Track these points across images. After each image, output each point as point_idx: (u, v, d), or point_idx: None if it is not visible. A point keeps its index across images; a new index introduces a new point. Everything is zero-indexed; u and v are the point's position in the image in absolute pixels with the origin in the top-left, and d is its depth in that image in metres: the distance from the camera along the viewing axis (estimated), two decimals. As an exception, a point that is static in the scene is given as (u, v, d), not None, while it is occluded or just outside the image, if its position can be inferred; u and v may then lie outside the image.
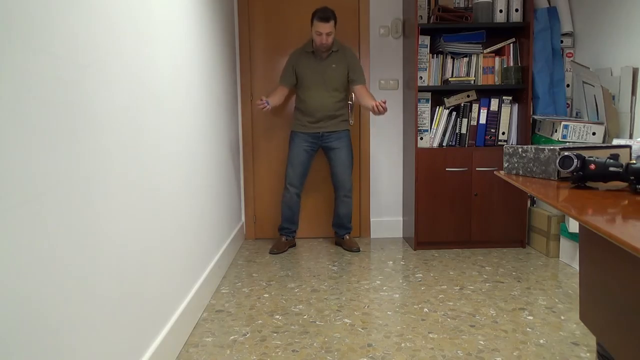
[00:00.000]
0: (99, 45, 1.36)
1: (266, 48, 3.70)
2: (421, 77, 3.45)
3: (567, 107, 3.44)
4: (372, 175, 3.84)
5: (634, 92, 2.77)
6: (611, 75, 2.99)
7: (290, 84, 3.35)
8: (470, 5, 3.50)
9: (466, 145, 3.47)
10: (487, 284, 2.74)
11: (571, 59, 3.43)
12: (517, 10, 3.36)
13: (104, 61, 1.39)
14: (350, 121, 3.76)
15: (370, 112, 3.09)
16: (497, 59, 3.46)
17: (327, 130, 3.35)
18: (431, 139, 3.50)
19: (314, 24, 3.14)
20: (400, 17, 3.70)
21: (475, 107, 3.46)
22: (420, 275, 2.92)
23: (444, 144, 3.51)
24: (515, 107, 3.48)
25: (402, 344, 2.03)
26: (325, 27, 3.12)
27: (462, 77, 3.44)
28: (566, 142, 3.03)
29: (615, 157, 1.33)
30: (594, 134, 2.99)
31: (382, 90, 3.75)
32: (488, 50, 3.49)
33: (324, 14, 3.10)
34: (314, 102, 3.29)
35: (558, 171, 1.48)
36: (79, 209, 1.24)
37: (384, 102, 3.03)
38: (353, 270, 3.03)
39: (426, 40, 3.43)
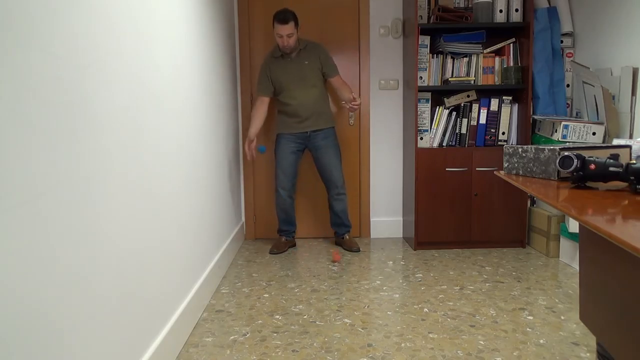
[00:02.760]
0: (99, 45, 1.36)
1: (266, 48, 3.69)
2: (421, 77, 3.45)
3: (567, 107, 3.44)
4: (372, 175, 3.84)
5: (634, 92, 2.77)
6: (611, 75, 2.99)
7: (270, 92, 3.35)
8: (470, 5, 3.50)
9: (466, 145, 3.47)
10: (487, 284, 2.74)
11: (571, 59, 3.43)
12: (517, 10, 3.36)
13: (104, 61, 1.39)
14: (351, 121, 3.77)
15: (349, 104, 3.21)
16: (497, 59, 3.46)
17: (314, 129, 3.35)
18: (431, 139, 3.50)
19: (274, 26, 3.16)
20: (400, 17, 3.70)
21: (475, 107, 3.46)
22: (420, 275, 2.92)
23: (444, 144, 3.51)
24: (515, 107, 3.48)
25: (402, 344, 2.03)
26: (285, 29, 3.12)
27: (462, 77, 3.44)
28: (566, 142, 3.03)
29: (615, 157, 1.33)
30: (594, 134, 2.99)
31: (382, 90, 3.75)
32: (488, 50, 3.49)
33: (283, 16, 3.10)
34: (298, 101, 3.29)
35: (558, 171, 1.48)
36: (79, 209, 1.24)
37: (354, 100, 3.14)
38: (353, 270, 3.03)
39: (426, 40, 3.43)
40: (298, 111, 3.31)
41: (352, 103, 3.16)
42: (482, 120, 3.46)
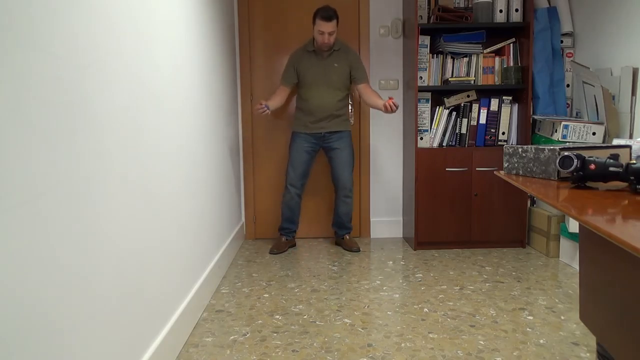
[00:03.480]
0: (99, 45, 1.36)
1: (266, 48, 3.70)
2: (421, 77, 3.45)
3: (567, 107, 3.44)
4: (372, 175, 3.84)
5: (634, 92, 2.77)
6: (611, 75, 2.99)
7: (292, 83, 3.34)
8: (470, 5, 3.50)
9: (466, 145, 3.47)
10: (487, 284, 2.74)
11: (571, 59, 3.43)
12: (517, 10, 3.36)
13: (104, 61, 1.39)
14: (351, 121, 3.77)
15: (378, 110, 3.10)
16: (497, 59, 3.46)
17: (329, 131, 3.34)
18: (431, 139, 3.50)
19: (316, 23, 3.13)
20: (400, 17, 3.70)
21: (475, 107, 3.46)
22: (420, 275, 2.92)
23: (444, 144, 3.51)
24: (515, 107, 3.48)
25: (402, 344, 2.03)
26: (328, 27, 3.10)
27: (462, 77, 3.44)
28: (566, 142, 3.03)
29: (615, 157, 1.33)
30: (594, 134, 2.99)
31: (382, 90, 3.75)
32: (488, 50, 3.49)
33: (327, 13, 3.08)
34: (316, 100, 3.28)
35: (558, 171, 1.48)
36: (79, 209, 1.24)
37: (392, 100, 3.04)
38: (353, 270, 3.03)
39: (426, 40, 3.43)
40: (314, 111, 3.30)
41: (392, 102, 3.03)
42: (482, 120, 3.46)
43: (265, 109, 3.14)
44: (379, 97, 3.24)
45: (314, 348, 2.01)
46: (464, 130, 3.48)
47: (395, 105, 3.04)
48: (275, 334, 2.14)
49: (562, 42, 3.41)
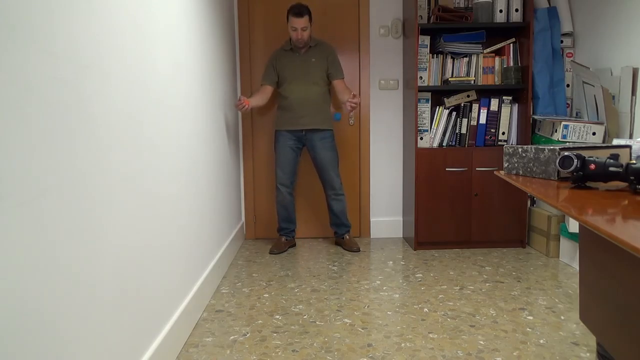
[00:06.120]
0: (99, 45, 1.36)
1: (266, 48, 3.70)
2: (421, 77, 3.45)
3: (567, 107, 3.44)
4: (372, 175, 3.84)
5: (634, 92, 2.77)
6: (611, 75, 2.98)
7: (273, 81, 3.36)
8: (470, 5, 3.50)
9: (466, 145, 3.47)
10: (487, 284, 2.74)
11: (571, 59, 3.43)
12: (517, 10, 3.36)
13: (104, 61, 1.39)
14: (351, 121, 3.77)
15: (348, 106, 3.10)
16: (497, 59, 3.46)
17: (310, 128, 3.34)
18: (431, 139, 3.50)
19: (289, 20, 3.19)
20: (400, 17, 3.70)
21: (475, 107, 3.46)
22: (420, 275, 2.92)
23: (444, 144, 3.51)
24: (515, 107, 3.48)
25: (402, 344, 2.03)
26: (300, 22, 3.15)
27: (462, 77, 3.44)
28: (566, 142, 3.03)
29: (615, 157, 1.33)
30: (594, 134, 2.99)
31: (382, 90, 3.75)
32: (488, 50, 3.49)
33: (298, 10, 3.15)
34: (296, 95, 3.30)
35: (558, 171, 1.48)
36: (79, 209, 1.24)
37: (354, 97, 3.06)
38: (353, 270, 3.03)
39: (426, 40, 3.43)
40: (294, 106, 3.31)
41: (351, 100, 3.06)
42: (482, 120, 3.46)
43: (245, 104, 3.06)
44: (347, 94, 3.29)
45: (314, 348, 2.01)
46: (464, 130, 3.48)
47: (353, 104, 3.07)
48: (275, 334, 2.14)
49: (562, 42, 3.41)
